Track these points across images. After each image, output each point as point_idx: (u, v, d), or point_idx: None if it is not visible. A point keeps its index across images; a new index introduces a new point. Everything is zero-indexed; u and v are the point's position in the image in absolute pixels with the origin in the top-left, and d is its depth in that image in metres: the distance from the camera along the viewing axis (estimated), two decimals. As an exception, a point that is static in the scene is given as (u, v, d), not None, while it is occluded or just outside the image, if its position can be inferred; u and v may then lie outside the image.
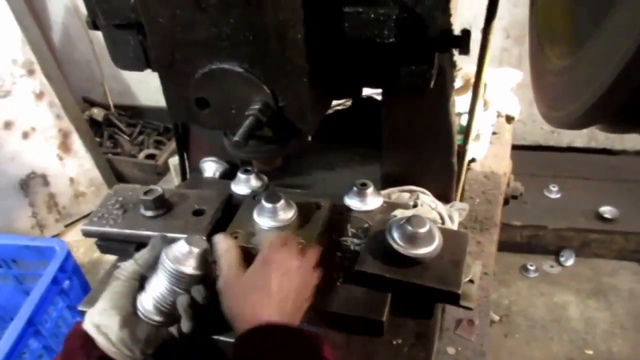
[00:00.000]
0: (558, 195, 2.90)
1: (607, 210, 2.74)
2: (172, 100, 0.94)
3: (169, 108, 0.95)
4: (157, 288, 0.91)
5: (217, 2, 0.78)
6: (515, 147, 2.11)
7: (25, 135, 2.92)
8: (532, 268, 2.76)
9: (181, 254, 0.91)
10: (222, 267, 0.94)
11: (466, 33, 0.87)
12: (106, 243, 1.26)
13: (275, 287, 0.88)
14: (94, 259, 3.01)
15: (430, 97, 1.18)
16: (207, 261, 0.94)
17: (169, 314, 0.92)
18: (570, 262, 2.80)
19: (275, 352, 0.81)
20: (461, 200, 1.54)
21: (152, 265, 0.94)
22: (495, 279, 2.71)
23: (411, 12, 0.79)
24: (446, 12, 0.88)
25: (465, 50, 0.88)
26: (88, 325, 0.88)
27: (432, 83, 0.90)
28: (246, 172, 1.39)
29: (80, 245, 3.07)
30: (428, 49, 0.84)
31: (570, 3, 0.82)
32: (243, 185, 1.39)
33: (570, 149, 3.30)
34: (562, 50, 0.82)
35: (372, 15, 0.78)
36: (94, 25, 1.02)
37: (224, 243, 0.98)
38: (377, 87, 0.95)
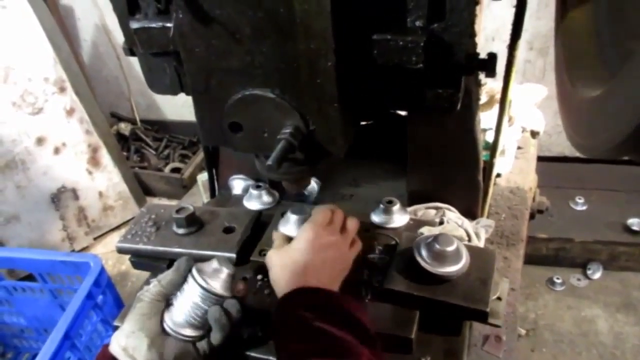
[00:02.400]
0: (584, 207, 2.87)
1: (635, 223, 2.69)
2: (205, 125, 0.97)
3: (202, 132, 0.99)
4: (188, 302, 0.93)
5: (251, 32, 0.81)
6: (540, 159, 2.10)
7: (57, 151, 3.00)
8: (559, 281, 2.73)
9: (212, 272, 0.95)
10: (274, 244, 1.08)
11: (492, 57, 0.89)
12: (139, 259, 1.29)
13: (311, 259, 0.98)
14: (122, 271, 3.07)
15: (456, 116, 1.19)
16: (234, 283, 0.98)
17: (199, 328, 0.94)
18: (597, 275, 2.76)
19: (308, 311, 0.88)
20: (487, 215, 1.54)
21: (177, 286, 0.96)
22: (521, 292, 2.68)
23: (439, 39, 0.81)
24: (473, 37, 0.89)
25: (491, 73, 0.90)
26: (115, 348, 0.89)
27: (459, 105, 0.92)
28: (258, 187, 1.42)
29: (108, 258, 3.14)
30: (455, 73, 0.87)
31: (594, 30, 0.83)
32: (255, 200, 1.42)
33: (596, 160, 3.25)
34: (590, 78, 0.83)
35: (401, 43, 0.80)
36: (131, 52, 1.06)
37: (275, 233, 1.13)
38: (404, 110, 0.97)
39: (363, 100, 0.93)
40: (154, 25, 0.92)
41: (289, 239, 1.08)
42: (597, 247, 2.73)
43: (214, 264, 0.95)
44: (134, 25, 0.93)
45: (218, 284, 0.94)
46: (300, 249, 1.00)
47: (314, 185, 1.46)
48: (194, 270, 0.95)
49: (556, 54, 1.02)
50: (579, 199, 2.88)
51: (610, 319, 2.58)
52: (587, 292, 2.71)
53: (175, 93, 1.06)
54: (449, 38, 0.82)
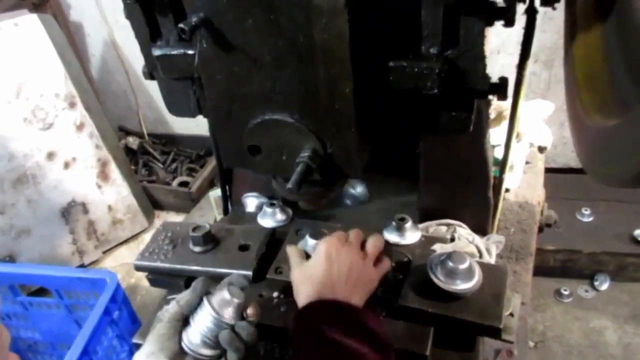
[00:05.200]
0: (591, 219, 2.87)
1: (642, 234, 2.70)
2: (225, 147, 1.00)
3: (222, 154, 1.02)
4: (203, 323, 0.94)
5: (272, 59, 0.85)
6: (546, 170, 2.10)
7: (67, 165, 3.03)
8: (567, 293, 2.73)
9: (222, 302, 0.95)
10: (290, 262, 1.11)
11: (504, 81, 0.91)
12: (156, 277, 1.31)
13: (327, 272, 1.01)
14: (131, 284, 3.08)
15: (467, 135, 1.22)
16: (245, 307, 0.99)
17: (215, 348, 0.95)
18: (604, 286, 2.76)
19: (324, 323, 0.91)
20: (497, 230, 1.56)
21: (194, 307, 0.98)
22: (529, 304, 2.68)
23: (453, 65, 0.84)
24: (484, 59, 0.92)
25: (503, 96, 0.92)
26: None
27: (471, 127, 0.95)
28: (272, 205, 1.44)
29: (117, 271, 3.12)
30: (468, 97, 0.89)
31: (604, 54, 0.84)
32: (269, 218, 1.44)
33: (602, 171, 3.26)
34: (603, 105, 0.83)
35: (416, 69, 0.83)
36: (151, 76, 1.10)
37: (289, 248, 1.16)
38: (419, 133, 0.99)
39: (379, 123, 0.95)
40: (175, 52, 0.95)
41: (305, 254, 1.13)
42: (604, 258, 2.73)
43: (225, 294, 0.95)
44: (156, 52, 0.96)
45: (227, 314, 0.94)
46: (316, 263, 1.04)
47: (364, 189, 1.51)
48: (205, 298, 0.96)
49: (566, 78, 1.02)
50: (586, 210, 2.89)
51: (619, 330, 2.58)
52: (595, 303, 2.71)
53: (193, 116, 1.09)
54: (463, 64, 0.84)
